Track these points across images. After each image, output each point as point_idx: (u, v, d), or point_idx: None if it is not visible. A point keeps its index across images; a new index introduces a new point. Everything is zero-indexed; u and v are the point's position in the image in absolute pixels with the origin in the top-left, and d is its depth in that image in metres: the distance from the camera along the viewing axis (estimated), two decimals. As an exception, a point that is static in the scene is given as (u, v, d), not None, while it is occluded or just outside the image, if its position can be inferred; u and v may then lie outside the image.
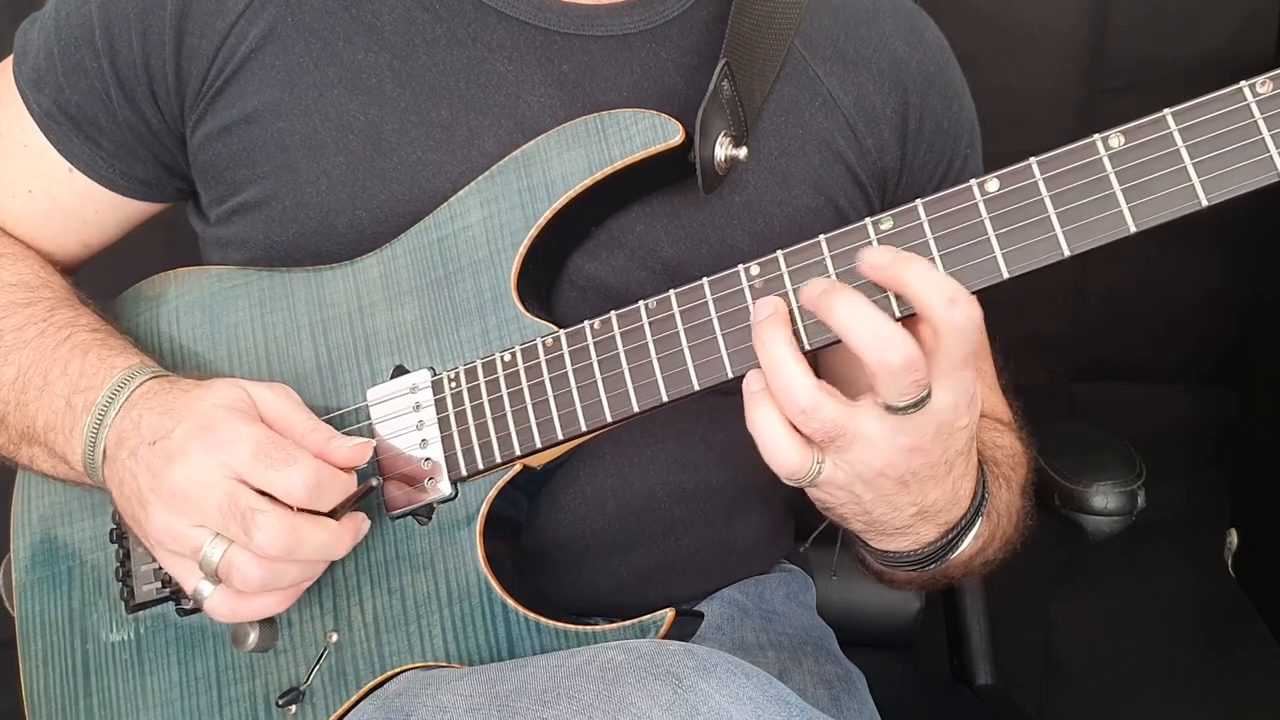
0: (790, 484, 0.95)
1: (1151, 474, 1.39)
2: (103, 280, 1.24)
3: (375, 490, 1.05)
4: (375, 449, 1.07)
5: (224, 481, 0.94)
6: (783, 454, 0.92)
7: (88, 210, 1.23)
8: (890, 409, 0.88)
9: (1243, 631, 2.17)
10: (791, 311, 0.93)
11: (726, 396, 0.94)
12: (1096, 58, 2.05)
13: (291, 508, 0.95)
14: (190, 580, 0.99)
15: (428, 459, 1.06)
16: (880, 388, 0.87)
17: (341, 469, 0.99)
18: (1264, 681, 2.16)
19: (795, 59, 1.17)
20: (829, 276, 0.93)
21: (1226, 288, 2.14)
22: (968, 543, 1.04)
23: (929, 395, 0.88)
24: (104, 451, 1.03)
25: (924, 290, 0.86)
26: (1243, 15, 1.99)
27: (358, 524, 1.02)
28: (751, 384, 0.92)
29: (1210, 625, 2.25)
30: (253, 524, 0.93)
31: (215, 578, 0.96)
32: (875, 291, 0.90)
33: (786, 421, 0.91)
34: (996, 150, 1.28)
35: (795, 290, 0.93)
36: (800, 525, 1.43)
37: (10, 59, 1.22)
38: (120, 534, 1.16)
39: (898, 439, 0.90)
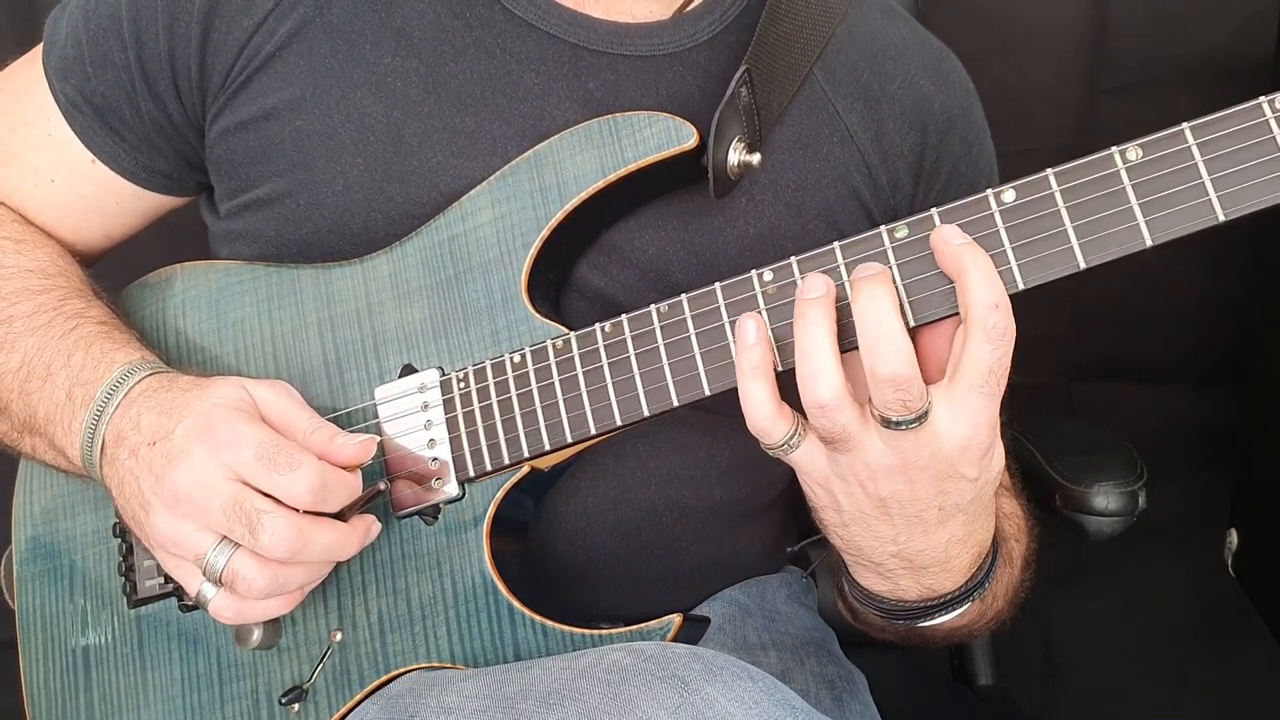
0: (765, 449, 0.94)
1: (1151, 474, 1.38)
2: (104, 277, 1.23)
3: (383, 494, 1.05)
4: (382, 448, 1.07)
5: (227, 484, 0.94)
6: (761, 416, 0.91)
7: (108, 202, 1.23)
8: (885, 422, 0.87)
9: (1243, 631, 2.17)
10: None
11: (731, 416, 0.93)
12: (1097, 57, 2.05)
13: (297, 511, 0.95)
14: (193, 583, 0.98)
15: (435, 459, 1.06)
16: (870, 390, 0.87)
17: (346, 467, 0.99)
18: (1264, 681, 2.16)
19: (817, 92, 1.17)
20: (843, 283, 0.92)
21: (1226, 289, 2.14)
22: (947, 619, 1.03)
23: (925, 416, 0.87)
24: (102, 448, 1.02)
25: (977, 283, 0.85)
26: (1243, 15, 1.99)
27: (367, 526, 1.02)
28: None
29: (1210, 625, 2.25)
30: (259, 526, 0.93)
31: (219, 582, 0.96)
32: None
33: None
34: (997, 149, 1.28)
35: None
36: (804, 534, 1.43)
37: (40, 48, 1.22)
38: (123, 528, 1.15)
39: (889, 456, 0.89)
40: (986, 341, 0.85)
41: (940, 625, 1.04)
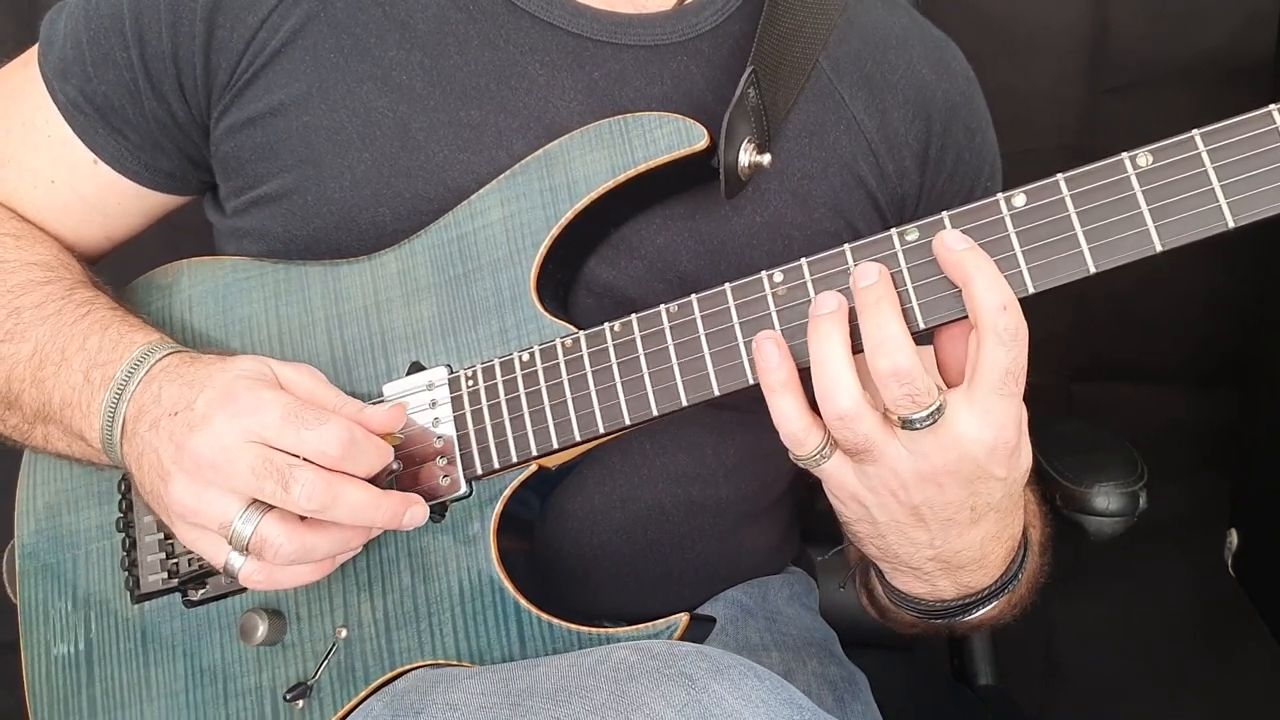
0: (795, 461, 0.94)
1: (1152, 474, 1.39)
2: (105, 275, 1.22)
3: (395, 474, 1.05)
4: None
5: (251, 447, 0.93)
6: (794, 428, 0.91)
7: (110, 202, 1.23)
8: (903, 424, 0.87)
9: (1243, 631, 2.18)
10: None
11: (739, 413, 0.94)
12: (1097, 58, 2.05)
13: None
14: (219, 554, 0.97)
15: (443, 456, 1.06)
16: (879, 391, 0.87)
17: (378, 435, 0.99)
18: (1264, 681, 2.17)
19: (822, 81, 1.17)
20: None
21: (1228, 289, 2.14)
22: (983, 612, 1.04)
23: (939, 411, 0.87)
24: (122, 426, 1.02)
25: (983, 288, 0.86)
26: (1243, 15, 1.99)
27: (406, 500, 1.00)
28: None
29: (1210, 625, 2.26)
30: (290, 478, 0.91)
31: (245, 550, 0.95)
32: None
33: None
34: (999, 150, 1.28)
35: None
36: (806, 533, 1.43)
37: (34, 49, 1.21)
38: (127, 523, 1.16)
39: (917, 462, 0.89)
40: (999, 344, 0.86)
41: (971, 619, 1.05)
